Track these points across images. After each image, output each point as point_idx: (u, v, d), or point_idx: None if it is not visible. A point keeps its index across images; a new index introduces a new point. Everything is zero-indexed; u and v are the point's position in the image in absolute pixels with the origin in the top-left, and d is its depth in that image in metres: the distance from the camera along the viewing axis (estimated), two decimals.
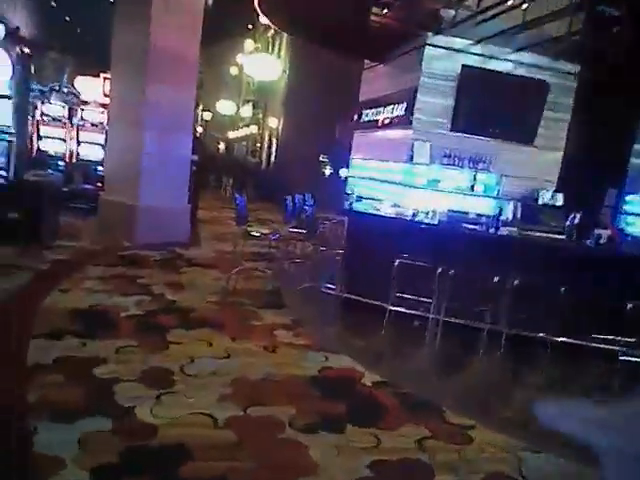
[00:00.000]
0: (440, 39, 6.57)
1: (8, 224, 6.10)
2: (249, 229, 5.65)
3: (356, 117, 9.22)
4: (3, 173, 6.12)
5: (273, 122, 18.45)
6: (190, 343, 3.97)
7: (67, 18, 25.54)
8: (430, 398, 3.56)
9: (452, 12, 6.01)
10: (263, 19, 19.31)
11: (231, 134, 30.06)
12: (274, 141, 18.71)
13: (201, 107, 24.72)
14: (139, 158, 7.28)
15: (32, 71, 22.72)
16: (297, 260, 6.97)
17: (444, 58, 6.63)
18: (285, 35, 19.35)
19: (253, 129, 23.35)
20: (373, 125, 8.10)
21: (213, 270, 6.42)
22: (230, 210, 14.13)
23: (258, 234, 5.72)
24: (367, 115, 8.47)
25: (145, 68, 7.04)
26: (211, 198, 15.24)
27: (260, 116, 22.50)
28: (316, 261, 6.43)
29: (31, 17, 23.71)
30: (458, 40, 6.58)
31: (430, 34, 6.55)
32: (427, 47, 6.56)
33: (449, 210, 5.53)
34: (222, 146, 31.50)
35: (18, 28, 6.04)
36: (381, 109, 7.82)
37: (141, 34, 7.13)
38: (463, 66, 6.63)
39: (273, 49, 20.84)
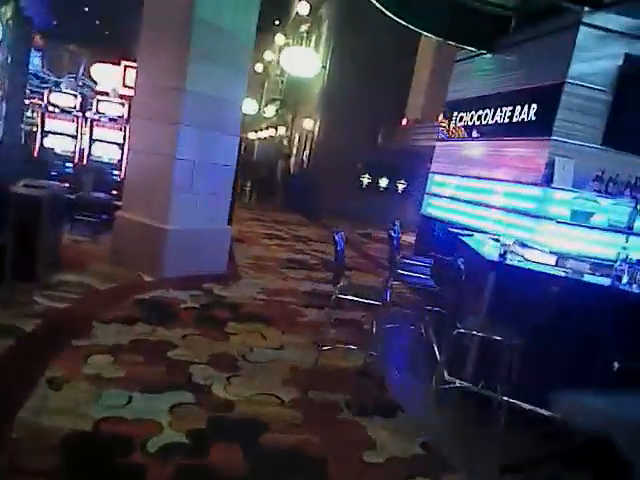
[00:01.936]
0: (599, 17, 4.70)
1: None
2: (342, 292, 3.72)
3: (441, 121, 7.34)
4: None
5: (307, 123, 16.61)
6: None
7: (85, 9, 24.01)
8: None
9: None
10: (302, 9, 17.58)
11: (251, 135, 28.26)
12: (307, 144, 16.87)
13: None
14: (171, 164, 5.45)
15: (44, 62, 21.03)
16: (391, 323, 5.03)
17: (601, 44, 4.76)
18: (324, 28, 17.57)
19: (281, 130, 21.55)
20: (471, 133, 6.24)
21: (271, 327, 4.56)
22: (261, 223, 12.21)
23: (360, 300, 3.77)
24: (459, 120, 6.59)
25: (187, 44, 5.20)
26: (236, 207, 13.36)
27: (289, 117, 20.71)
28: (429, 324, 4.53)
29: (48, 7, 22.17)
30: (624, 19, 4.71)
31: (586, 9, 4.68)
32: (583, 28, 4.69)
33: None
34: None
35: None
36: (487, 112, 5.95)
37: (183, 2, 5.32)
38: (627, 56, 4.75)
39: (308, 44, 19.05)
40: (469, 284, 3.67)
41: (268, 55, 23.48)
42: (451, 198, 6.36)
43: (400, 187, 16.15)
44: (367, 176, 16.18)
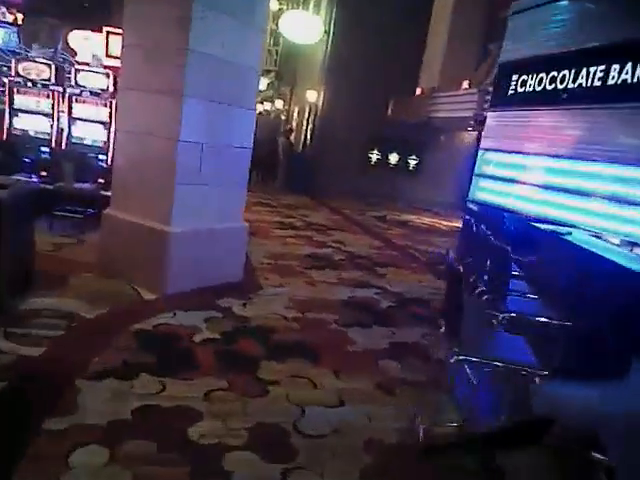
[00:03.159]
0: None
1: None
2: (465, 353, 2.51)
3: (492, 87, 6.13)
4: None
5: (308, 96, 15.21)
6: None
7: None
8: None
9: None
10: None
11: None
12: (310, 119, 15.51)
13: None
14: (172, 148, 4.22)
15: (20, 39, 19.37)
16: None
17: None
18: None
19: (277, 104, 20.12)
20: (542, 100, 5.04)
21: (318, 366, 3.41)
22: (268, 208, 10.63)
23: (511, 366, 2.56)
24: (521, 84, 5.38)
25: None
26: None
27: (286, 89, 19.29)
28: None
29: None
30: None
31: None
32: None
33: None
34: None
35: None
36: (566, 73, 4.75)
37: None
38: None
39: (306, 8, 17.51)
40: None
41: None
42: (515, 181, 5.19)
43: (412, 164, 14.92)
44: (376, 152, 14.92)
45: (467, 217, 5.82)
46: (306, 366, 3.40)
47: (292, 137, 16.12)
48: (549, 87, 4.92)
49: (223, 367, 3.22)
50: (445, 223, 11.79)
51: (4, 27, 19.71)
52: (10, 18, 21.54)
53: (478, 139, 12.92)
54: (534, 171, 4.94)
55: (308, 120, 15.61)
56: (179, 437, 2.45)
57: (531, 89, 5.25)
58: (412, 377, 3.36)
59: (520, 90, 5.45)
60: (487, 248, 3.49)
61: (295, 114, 17.78)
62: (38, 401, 2.63)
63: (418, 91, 13.46)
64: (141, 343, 3.41)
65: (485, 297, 2.88)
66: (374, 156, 15.03)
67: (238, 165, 4.78)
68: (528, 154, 5.06)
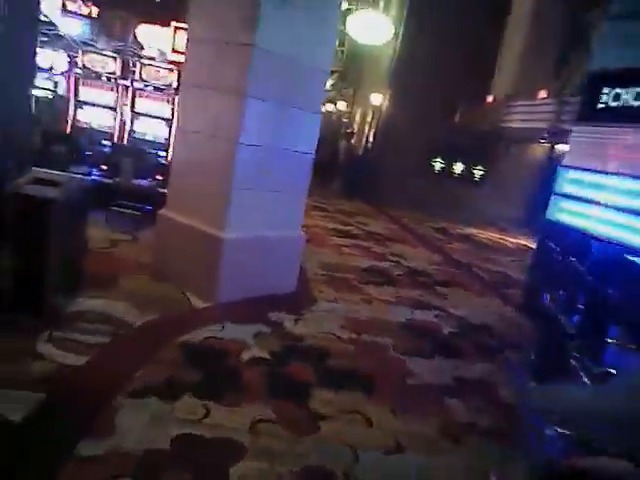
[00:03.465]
0: None
1: None
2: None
3: (580, 99, 5.60)
4: None
5: (373, 98, 14.83)
6: None
7: None
8: None
9: None
10: None
11: None
12: (372, 122, 15.14)
13: None
14: (232, 151, 4.00)
15: (93, 31, 20.03)
16: None
17: None
18: None
19: (340, 106, 19.85)
20: None
21: (374, 400, 3.09)
22: (325, 214, 10.24)
23: None
24: (614, 98, 4.86)
25: None
26: None
27: (350, 91, 19.00)
28: None
29: None
30: None
31: None
32: None
33: None
34: None
35: None
36: None
37: None
38: None
39: (376, 8, 17.15)
40: None
41: None
42: (605, 205, 4.67)
43: (477, 174, 14.25)
44: (440, 160, 14.37)
45: (546, 240, 5.33)
46: (361, 399, 3.09)
47: (353, 140, 15.83)
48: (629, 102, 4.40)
49: (271, 393, 2.96)
50: (511, 240, 11.15)
51: (79, 19, 20.47)
52: (86, 11, 22.38)
53: (551, 152, 12.24)
54: (628, 195, 4.41)
55: (371, 124, 15.25)
56: (219, 476, 2.20)
57: (628, 104, 4.73)
58: (481, 422, 2.99)
59: (613, 104, 4.93)
60: (578, 284, 3.07)
61: (357, 116, 17.46)
62: (75, 418, 2.45)
63: (489, 98, 12.87)
64: (187, 358, 3.20)
65: (576, 344, 2.48)
66: (437, 164, 14.49)
67: (299, 171, 4.52)
68: (621, 175, 4.53)
